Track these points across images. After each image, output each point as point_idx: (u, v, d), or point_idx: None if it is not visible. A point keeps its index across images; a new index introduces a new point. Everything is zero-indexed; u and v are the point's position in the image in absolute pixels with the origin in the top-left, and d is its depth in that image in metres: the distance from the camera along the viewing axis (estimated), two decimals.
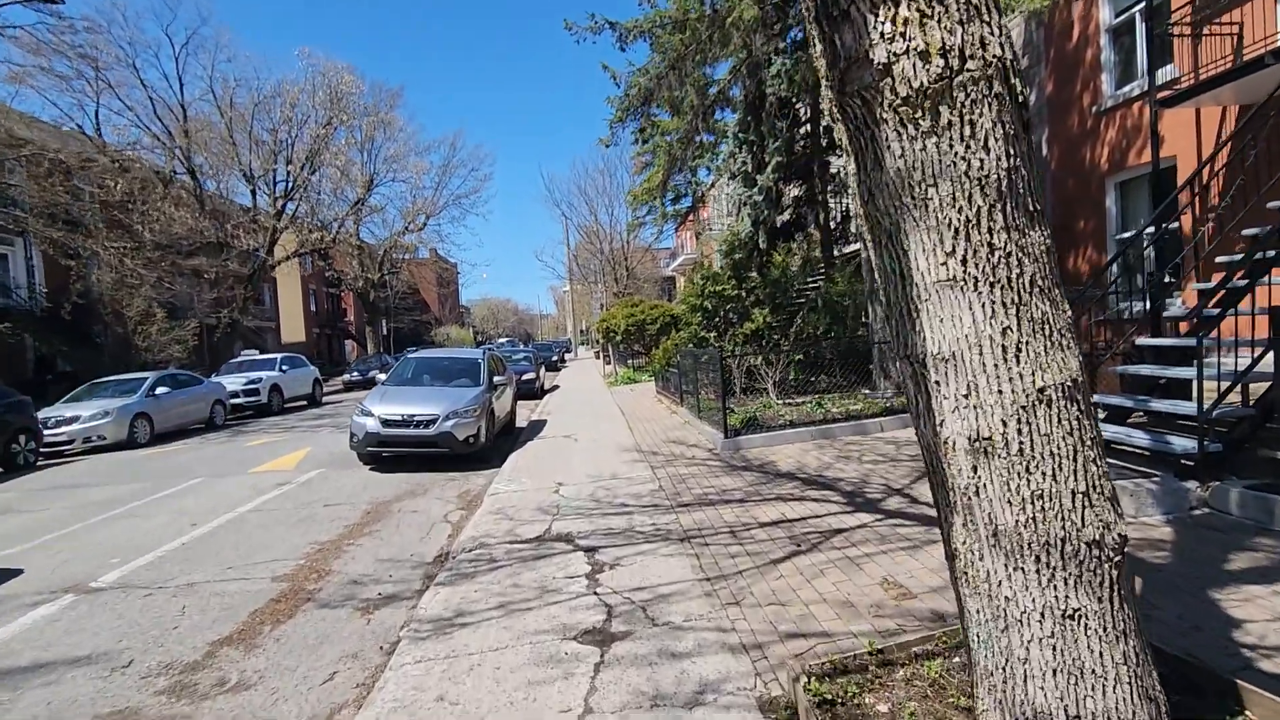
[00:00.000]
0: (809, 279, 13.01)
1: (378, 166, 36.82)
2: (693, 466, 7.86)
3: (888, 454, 7.55)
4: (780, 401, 10.00)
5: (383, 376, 11.71)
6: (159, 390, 14.47)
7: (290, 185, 30.37)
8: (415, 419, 9.36)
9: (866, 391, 10.29)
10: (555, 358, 39.39)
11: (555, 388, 23.96)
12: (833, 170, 15.51)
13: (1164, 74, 8.78)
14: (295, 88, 29.47)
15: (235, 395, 18.03)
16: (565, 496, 6.99)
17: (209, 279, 28.65)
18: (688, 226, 43.76)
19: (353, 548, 5.94)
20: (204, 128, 28.37)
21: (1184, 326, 6.82)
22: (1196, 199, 7.65)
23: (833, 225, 14.74)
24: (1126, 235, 11.08)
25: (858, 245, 17.21)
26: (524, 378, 20.65)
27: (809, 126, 15.24)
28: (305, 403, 21.48)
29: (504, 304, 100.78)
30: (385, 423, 9.34)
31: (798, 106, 14.88)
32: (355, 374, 28.63)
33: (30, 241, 23.21)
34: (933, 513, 5.17)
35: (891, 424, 8.81)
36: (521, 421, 14.22)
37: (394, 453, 9.47)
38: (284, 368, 20.06)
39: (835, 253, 14.87)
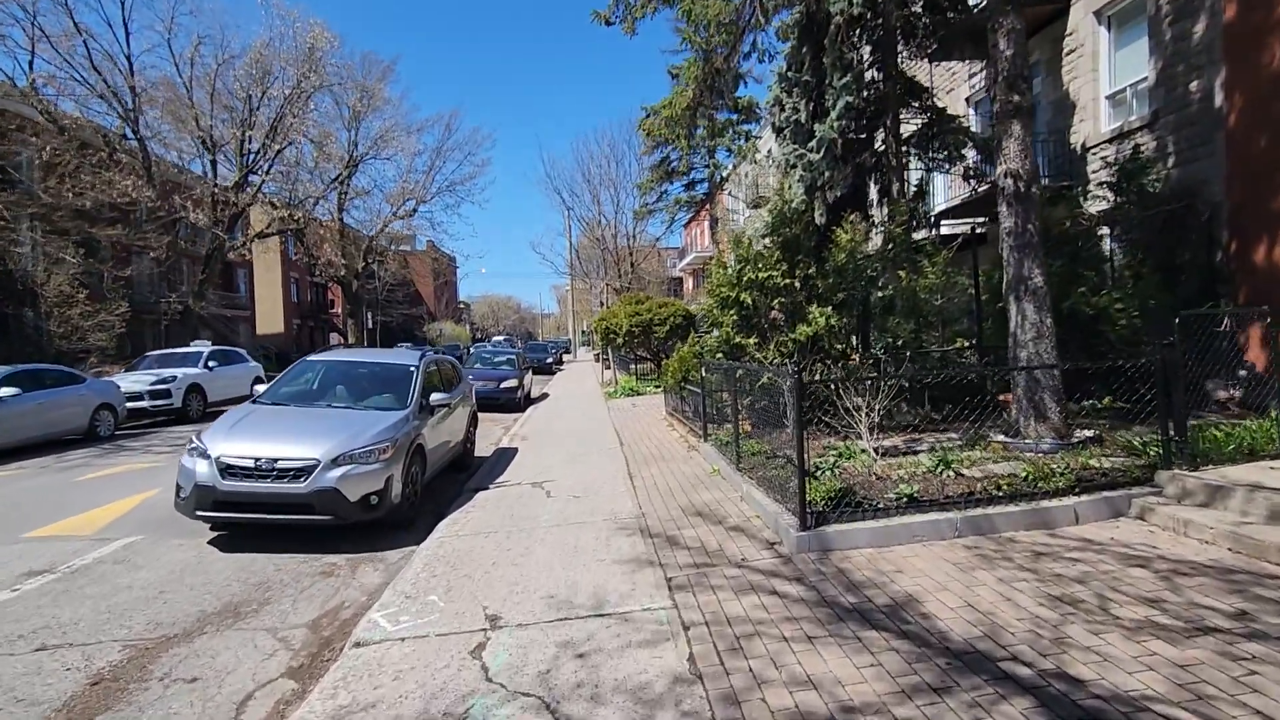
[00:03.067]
0: (882, 266, 9.37)
1: (363, 146, 33.05)
2: (750, 593, 4.12)
3: (1163, 599, 3.64)
4: (874, 448, 6.26)
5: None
6: (4, 392, 10.80)
7: (254, 155, 26.65)
8: (278, 466, 5.63)
9: (1003, 438, 6.52)
10: (550, 360, 35.60)
11: (544, 396, 20.27)
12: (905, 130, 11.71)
13: None
14: (260, 42, 25.80)
15: (139, 398, 14.31)
16: (494, 674, 3.29)
17: (155, 258, 24.96)
18: (700, 219, 39.90)
19: None
20: (157, 85, 24.76)
21: None
22: None
23: (907, 197, 10.98)
24: None
25: (927, 231, 13.38)
26: (503, 385, 16.98)
27: (876, 70, 11.47)
28: None
29: (505, 301, 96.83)
30: (227, 471, 5.61)
31: (860, 45, 11.11)
32: None
33: None
34: None
35: (1091, 510, 4.96)
36: (486, 448, 10.54)
37: (242, 519, 5.75)
38: (210, 364, 16.31)
39: (911, 234, 11.09)
